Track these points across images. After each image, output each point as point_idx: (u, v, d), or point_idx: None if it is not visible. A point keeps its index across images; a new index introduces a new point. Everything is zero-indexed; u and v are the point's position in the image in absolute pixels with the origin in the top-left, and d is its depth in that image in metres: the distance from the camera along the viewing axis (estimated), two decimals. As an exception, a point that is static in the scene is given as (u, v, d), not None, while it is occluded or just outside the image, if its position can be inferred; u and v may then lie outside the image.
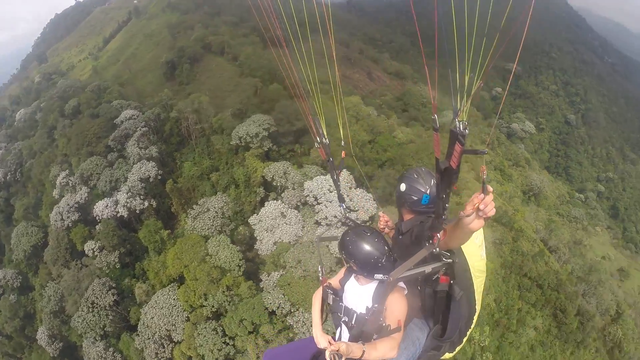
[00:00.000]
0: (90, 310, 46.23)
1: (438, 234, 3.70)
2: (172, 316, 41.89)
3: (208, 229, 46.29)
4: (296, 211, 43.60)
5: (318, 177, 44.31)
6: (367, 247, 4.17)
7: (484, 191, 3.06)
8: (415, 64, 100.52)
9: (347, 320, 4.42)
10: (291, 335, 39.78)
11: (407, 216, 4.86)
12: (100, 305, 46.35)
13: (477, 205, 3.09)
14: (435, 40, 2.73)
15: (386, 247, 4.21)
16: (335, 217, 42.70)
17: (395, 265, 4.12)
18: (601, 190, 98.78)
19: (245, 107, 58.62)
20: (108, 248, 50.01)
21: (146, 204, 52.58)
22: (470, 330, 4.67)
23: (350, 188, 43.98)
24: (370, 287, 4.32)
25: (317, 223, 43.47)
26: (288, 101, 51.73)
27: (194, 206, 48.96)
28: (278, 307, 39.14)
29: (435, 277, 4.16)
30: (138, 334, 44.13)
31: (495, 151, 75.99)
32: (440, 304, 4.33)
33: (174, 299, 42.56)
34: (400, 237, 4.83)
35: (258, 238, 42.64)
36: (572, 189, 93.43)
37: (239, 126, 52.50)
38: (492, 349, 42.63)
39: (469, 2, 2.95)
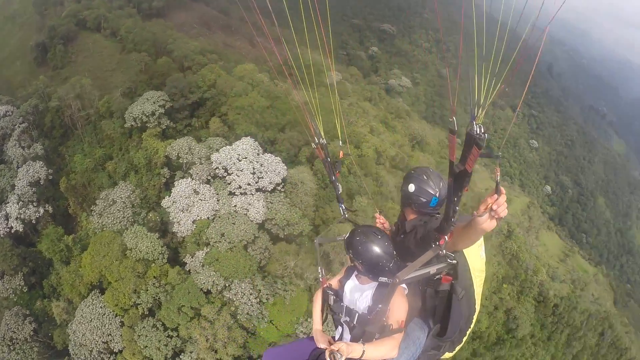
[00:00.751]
0: (12, 348, 40.93)
1: (446, 236, 3.70)
2: (105, 326, 38.86)
3: (119, 223, 43.27)
4: (208, 185, 42.48)
5: (224, 148, 43.27)
6: (377, 249, 4.13)
7: (497, 192, 3.06)
8: (297, 28, 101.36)
9: (348, 320, 4.40)
10: (233, 309, 39.71)
11: (411, 216, 4.81)
12: (20, 340, 41.18)
13: (490, 205, 3.09)
14: (460, 44, 2.70)
15: (394, 252, 4.20)
16: (248, 184, 42.52)
17: (399, 267, 4.13)
18: None
19: (134, 85, 54.46)
20: (9, 272, 43.91)
21: (41, 210, 47.29)
22: (470, 329, 4.70)
23: (258, 154, 43.76)
24: (371, 286, 4.32)
25: (232, 193, 42.92)
26: (179, 74, 48.98)
27: (97, 201, 45.27)
28: (212, 285, 38.71)
29: (437, 277, 4.13)
30: (72, 357, 40.00)
31: (378, 106, 79.87)
32: (441, 304, 4.33)
33: (101, 307, 39.40)
34: (401, 236, 4.80)
35: (175, 220, 41.05)
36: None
37: (132, 106, 48.83)
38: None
39: (489, 8, 2.96)
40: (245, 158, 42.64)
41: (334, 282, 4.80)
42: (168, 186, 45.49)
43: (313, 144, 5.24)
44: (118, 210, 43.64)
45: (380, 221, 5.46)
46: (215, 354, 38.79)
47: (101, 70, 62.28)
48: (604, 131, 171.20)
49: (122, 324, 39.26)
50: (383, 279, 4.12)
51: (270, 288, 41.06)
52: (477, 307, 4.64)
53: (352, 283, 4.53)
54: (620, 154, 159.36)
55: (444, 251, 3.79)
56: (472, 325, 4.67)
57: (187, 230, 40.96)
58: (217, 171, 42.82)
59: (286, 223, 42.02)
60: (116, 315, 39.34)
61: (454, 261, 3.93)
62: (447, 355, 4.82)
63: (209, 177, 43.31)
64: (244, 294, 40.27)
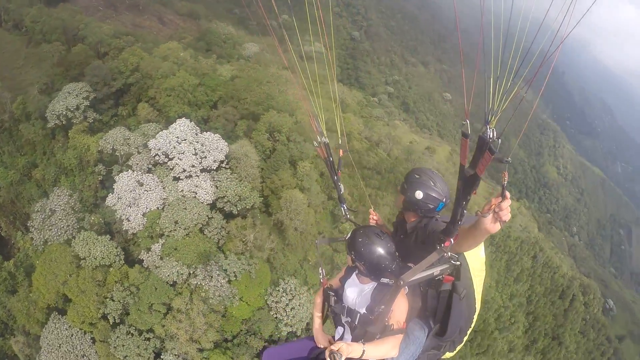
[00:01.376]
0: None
1: (452, 239, 3.67)
2: (76, 348, 36.39)
3: (65, 233, 40.22)
4: (151, 175, 40.54)
5: (160, 133, 41.22)
6: (379, 251, 4.11)
7: (503, 196, 3.07)
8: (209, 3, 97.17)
9: (349, 321, 4.36)
10: (203, 294, 39.02)
11: (412, 218, 4.74)
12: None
13: (494, 207, 3.09)
14: (479, 46, 2.71)
15: (396, 253, 4.19)
16: (192, 166, 41.14)
17: (401, 268, 4.16)
18: (391, 91, 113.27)
19: (50, 79, 49.57)
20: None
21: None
22: (470, 329, 4.71)
23: (196, 134, 42.16)
24: (371, 286, 4.30)
25: (177, 179, 41.39)
26: (98, 61, 45.09)
27: (32, 216, 41.56)
28: (177, 276, 37.79)
29: (438, 277, 4.09)
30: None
31: (296, 74, 79.40)
32: (442, 304, 4.30)
33: (66, 328, 36.62)
34: (401, 237, 4.77)
35: (123, 217, 38.94)
36: (367, 95, 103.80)
37: (52, 103, 44.61)
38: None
39: (505, 13, 2.86)
40: (185, 140, 41.01)
41: (334, 282, 4.76)
42: (104, 184, 42.83)
43: (315, 143, 5.10)
44: (60, 219, 40.30)
45: (374, 217, 5.38)
46: (197, 344, 38.10)
47: (8, 68, 55.78)
48: None
49: (94, 340, 37.06)
50: (385, 280, 4.11)
51: (235, 265, 40.79)
52: (477, 306, 4.66)
53: (352, 283, 4.49)
54: (528, 100, 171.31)
55: (449, 253, 3.77)
56: (472, 325, 4.69)
57: (139, 225, 39.16)
58: (157, 158, 40.93)
59: (238, 198, 41.36)
60: (85, 333, 37.04)
61: (458, 262, 3.88)
62: (448, 355, 4.81)
63: (150, 166, 41.34)
64: (212, 277, 39.76)
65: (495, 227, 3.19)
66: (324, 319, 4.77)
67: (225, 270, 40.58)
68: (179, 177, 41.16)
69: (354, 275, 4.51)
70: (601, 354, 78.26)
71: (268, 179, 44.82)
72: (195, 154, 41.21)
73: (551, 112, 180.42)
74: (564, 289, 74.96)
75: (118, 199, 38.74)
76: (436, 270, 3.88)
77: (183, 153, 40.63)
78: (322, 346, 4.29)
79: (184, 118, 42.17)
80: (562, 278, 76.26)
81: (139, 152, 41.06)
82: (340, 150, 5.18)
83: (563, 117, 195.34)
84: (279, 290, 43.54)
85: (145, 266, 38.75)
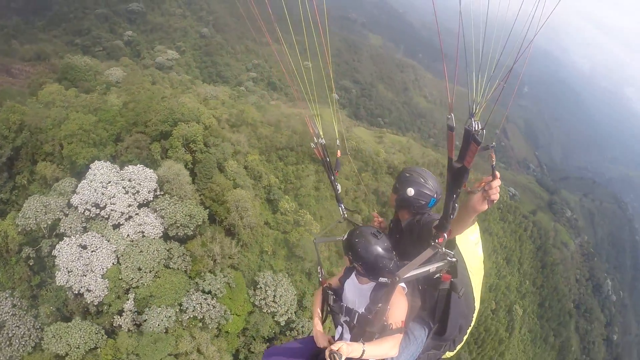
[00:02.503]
0: None
1: (445, 234, 3.67)
2: None
3: (30, 339, 33.20)
4: (90, 232, 35.15)
5: (80, 185, 35.58)
6: (376, 250, 4.03)
7: (493, 176, 3.13)
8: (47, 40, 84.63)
9: (348, 320, 4.32)
10: (200, 324, 36.19)
11: (406, 216, 4.72)
12: None
13: (484, 185, 3.15)
14: (457, 44, 2.68)
15: (393, 252, 4.12)
16: (129, 206, 36.86)
17: (399, 267, 4.05)
18: (254, 76, 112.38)
19: None
20: None
21: None
22: (470, 328, 4.69)
23: (118, 172, 37.51)
24: (370, 286, 4.25)
25: (117, 225, 36.70)
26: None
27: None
28: (167, 320, 34.61)
29: (436, 276, 4.02)
30: None
31: (163, 85, 74.97)
32: (441, 302, 4.24)
33: None
34: (397, 236, 4.74)
35: (82, 290, 33.31)
36: (234, 86, 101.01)
37: None
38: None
39: (487, 7, 2.91)
40: (109, 182, 36.21)
41: (334, 282, 4.72)
42: (34, 269, 35.72)
43: (312, 144, 5.09)
44: (16, 328, 32.95)
45: (378, 220, 5.36)
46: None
47: None
48: (359, 32, 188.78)
49: None
50: (383, 280, 4.03)
51: (215, 282, 38.62)
52: (477, 305, 4.67)
53: (351, 282, 4.44)
54: (380, 45, 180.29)
55: (443, 249, 3.76)
56: (472, 324, 4.68)
57: (102, 291, 33.95)
58: (87, 213, 35.51)
59: (189, 218, 38.58)
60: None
61: (454, 259, 3.82)
62: (448, 354, 4.80)
63: (84, 224, 35.71)
64: (201, 303, 37.14)
65: (484, 206, 3.22)
66: (324, 319, 4.66)
67: (209, 291, 38.34)
68: (120, 222, 36.54)
69: (353, 276, 4.43)
70: (524, 229, 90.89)
71: (205, 189, 42.36)
72: (127, 192, 36.85)
73: (403, 51, 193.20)
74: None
75: (68, 273, 32.87)
76: (432, 267, 3.81)
77: (114, 196, 35.96)
78: (321, 346, 4.19)
79: (96, 161, 36.92)
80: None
81: (65, 215, 35.00)
82: (338, 152, 5.11)
83: (415, 52, 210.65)
84: (260, 287, 42.68)
85: (129, 329, 34.31)
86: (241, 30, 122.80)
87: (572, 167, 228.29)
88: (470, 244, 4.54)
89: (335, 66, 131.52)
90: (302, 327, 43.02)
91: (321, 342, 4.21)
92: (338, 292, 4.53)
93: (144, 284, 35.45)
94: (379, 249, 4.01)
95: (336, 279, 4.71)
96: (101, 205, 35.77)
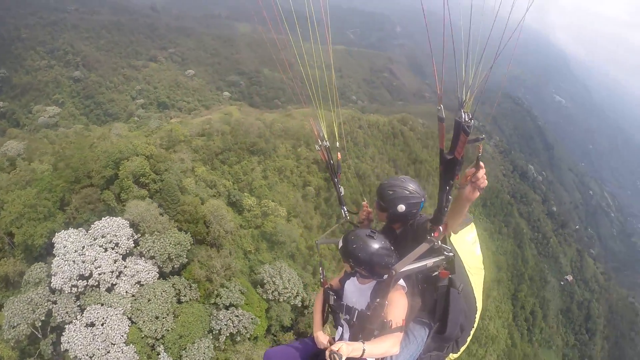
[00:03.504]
0: None
1: (440, 227, 3.61)
2: None
3: None
4: (89, 307, 30.44)
5: (54, 264, 30.20)
6: (375, 250, 3.89)
7: (477, 166, 3.14)
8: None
9: (348, 318, 4.22)
10: (239, 338, 34.24)
11: (399, 226, 4.60)
12: None
13: (470, 177, 3.17)
14: (443, 36, 2.65)
15: (392, 247, 4.01)
16: (115, 262, 32.52)
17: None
18: (142, 102, 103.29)
19: None
20: None
21: None
22: (473, 329, 4.55)
23: (86, 234, 32.58)
24: (370, 286, 4.15)
25: (111, 287, 32.27)
26: None
27: None
28: (206, 351, 32.32)
29: (435, 274, 3.97)
30: None
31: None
32: (440, 300, 4.10)
33: None
34: (391, 242, 4.37)
35: (113, 363, 29.05)
36: (128, 120, 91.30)
37: None
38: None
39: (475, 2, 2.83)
40: (84, 247, 31.43)
41: (334, 282, 4.62)
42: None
43: (317, 147, 5.00)
44: None
45: (367, 210, 5.16)
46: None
47: None
48: (228, 25, 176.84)
49: None
50: (386, 276, 3.89)
51: (233, 294, 36.51)
52: (479, 305, 4.55)
53: (351, 283, 4.33)
54: (250, 31, 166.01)
55: (439, 242, 3.70)
56: (475, 325, 4.55)
57: (133, 357, 29.96)
58: (75, 290, 30.56)
59: (180, 247, 35.45)
60: None
61: (451, 254, 3.77)
62: (452, 356, 4.61)
63: (79, 303, 30.67)
64: (230, 319, 34.99)
65: (475, 195, 3.24)
66: (324, 320, 4.57)
67: (230, 304, 36.24)
68: (112, 283, 32.14)
69: (353, 277, 4.31)
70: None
71: (177, 214, 38.90)
72: (106, 250, 32.36)
73: (276, 30, 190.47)
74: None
75: (91, 358, 28.20)
76: (430, 262, 3.76)
77: (95, 259, 31.33)
78: (322, 347, 4.08)
79: (57, 233, 31.50)
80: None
81: (54, 303, 29.57)
82: (338, 154, 5.05)
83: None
84: (267, 282, 41.37)
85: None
86: (113, 61, 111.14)
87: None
88: (467, 244, 4.45)
89: (217, 65, 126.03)
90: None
91: (321, 342, 4.10)
92: (339, 293, 4.42)
93: (168, 330, 32.23)
94: (378, 249, 3.88)
95: (337, 280, 4.61)
96: (86, 275, 30.91)
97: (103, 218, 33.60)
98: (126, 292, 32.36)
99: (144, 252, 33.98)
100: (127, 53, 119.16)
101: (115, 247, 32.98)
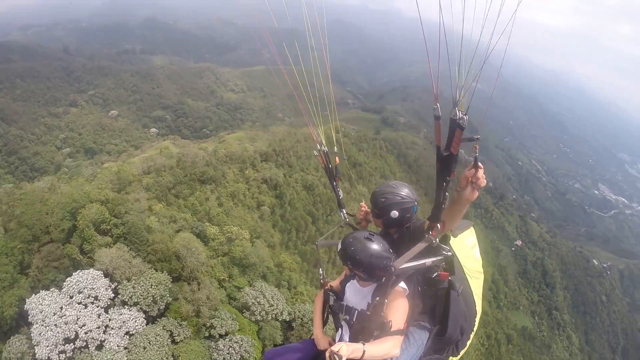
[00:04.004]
0: None
1: (438, 225, 3.56)
2: None
3: None
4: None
5: (34, 333, 26.52)
6: (374, 252, 3.78)
7: (475, 167, 3.19)
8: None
9: (348, 318, 4.15)
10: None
11: (394, 231, 4.48)
12: None
13: (470, 178, 3.22)
14: (439, 37, 2.67)
15: (390, 249, 3.88)
16: (98, 316, 29.54)
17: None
18: (69, 151, 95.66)
19: None
20: None
21: None
22: (473, 333, 4.46)
23: (59, 293, 29.14)
24: (372, 288, 4.07)
25: (101, 344, 29.19)
26: None
27: None
28: None
29: (435, 275, 3.95)
30: None
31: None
32: (440, 302, 4.03)
33: None
34: (392, 246, 4.29)
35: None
36: (58, 172, 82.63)
37: None
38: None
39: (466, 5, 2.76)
40: (61, 308, 28.18)
41: (335, 284, 4.55)
42: None
43: (315, 152, 4.96)
44: None
45: (365, 210, 4.98)
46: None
47: None
48: (143, 60, 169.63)
49: None
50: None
51: (226, 322, 34.99)
52: (479, 309, 4.49)
53: (352, 285, 4.26)
54: (167, 63, 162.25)
55: (437, 240, 3.67)
56: (475, 328, 4.47)
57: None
58: (62, 355, 27.17)
59: (162, 287, 33.28)
60: None
61: (449, 253, 3.75)
62: (452, 359, 4.49)
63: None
64: (231, 347, 33.53)
65: (474, 195, 3.28)
66: (324, 321, 4.49)
67: (226, 333, 34.71)
68: (100, 339, 29.12)
69: (354, 280, 4.24)
70: (379, 148, 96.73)
71: (149, 255, 36.38)
72: (86, 306, 29.35)
73: (193, 59, 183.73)
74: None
75: None
76: (428, 261, 3.71)
77: (78, 318, 28.25)
78: (322, 348, 4.06)
79: (27, 299, 27.75)
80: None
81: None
82: (337, 158, 5.02)
83: (202, 54, 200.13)
84: (252, 303, 40.24)
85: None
86: (32, 110, 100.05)
87: (381, 85, 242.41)
88: (466, 248, 4.42)
89: (139, 102, 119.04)
90: (303, 313, 42.29)
91: (321, 343, 4.09)
92: (339, 295, 4.37)
93: (170, 373, 29.96)
94: (377, 251, 3.79)
95: (337, 281, 4.56)
96: (72, 337, 27.69)
97: (75, 273, 30.43)
98: (117, 345, 29.50)
99: (127, 300, 31.31)
100: (46, 100, 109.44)
101: (95, 301, 30.01)
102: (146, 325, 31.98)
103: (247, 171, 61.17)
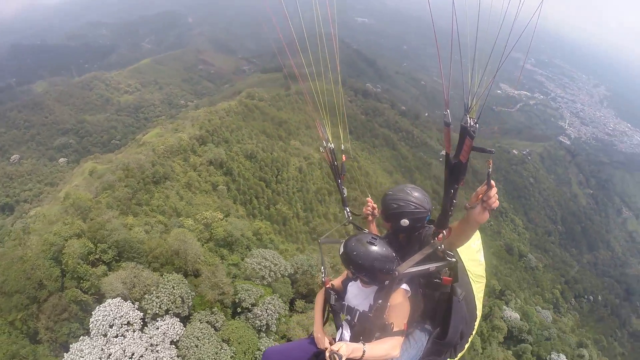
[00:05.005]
0: None
1: (444, 231, 3.23)
2: None
3: None
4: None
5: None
6: (378, 256, 3.49)
7: (488, 184, 2.75)
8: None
9: (349, 319, 3.88)
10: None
11: (403, 236, 4.11)
12: None
13: (481, 197, 2.78)
14: (451, 43, 2.52)
15: (393, 253, 3.60)
16: (140, 338, 26.17)
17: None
18: None
19: None
20: None
21: None
22: (471, 336, 4.16)
23: (105, 334, 24.89)
24: (374, 289, 3.78)
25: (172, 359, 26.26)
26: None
27: None
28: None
29: (437, 280, 3.62)
30: None
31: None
32: (442, 306, 3.76)
33: None
34: (398, 249, 3.96)
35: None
36: None
37: None
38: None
39: (481, 10, 2.55)
40: (102, 350, 24.31)
41: (337, 283, 4.24)
42: None
43: (321, 148, 4.58)
44: None
45: (372, 206, 4.64)
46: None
47: None
48: (21, 93, 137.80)
49: None
50: (389, 282, 3.57)
51: (253, 290, 33.54)
52: (479, 313, 4.22)
53: (354, 285, 3.98)
54: (47, 88, 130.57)
55: (442, 247, 3.31)
56: (473, 332, 4.16)
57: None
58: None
59: (182, 285, 30.38)
60: None
61: (453, 259, 3.36)
62: None
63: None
64: (266, 310, 32.49)
65: (485, 217, 2.84)
66: (325, 320, 4.19)
67: (255, 301, 33.38)
68: (155, 358, 26.13)
69: (356, 281, 3.97)
70: None
71: (153, 263, 32.58)
72: (125, 336, 25.78)
73: (76, 72, 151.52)
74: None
75: None
76: (432, 266, 3.39)
77: (124, 351, 24.76)
78: (322, 347, 3.80)
79: (65, 356, 23.20)
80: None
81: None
82: (343, 156, 4.59)
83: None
84: (258, 270, 38.85)
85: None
86: None
87: (271, 42, 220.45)
88: (472, 252, 4.12)
89: (37, 137, 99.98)
90: (300, 263, 41.84)
91: (321, 343, 3.83)
92: (340, 294, 4.06)
93: (234, 356, 28.35)
94: (379, 256, 3.50)
95: (339, 280, 4.25)
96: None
97: (94, 312, 26.13)
98: (171, 357, 26.78)
99: (157, 311, 28.12)
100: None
101: (130, 327, 26.44)
102: (183, 328, 29.29)
103: (192, 159, 56.26)
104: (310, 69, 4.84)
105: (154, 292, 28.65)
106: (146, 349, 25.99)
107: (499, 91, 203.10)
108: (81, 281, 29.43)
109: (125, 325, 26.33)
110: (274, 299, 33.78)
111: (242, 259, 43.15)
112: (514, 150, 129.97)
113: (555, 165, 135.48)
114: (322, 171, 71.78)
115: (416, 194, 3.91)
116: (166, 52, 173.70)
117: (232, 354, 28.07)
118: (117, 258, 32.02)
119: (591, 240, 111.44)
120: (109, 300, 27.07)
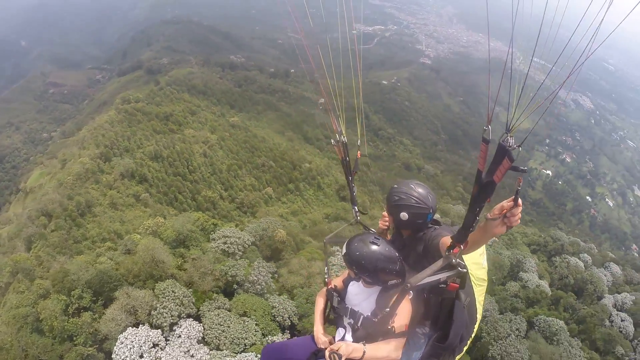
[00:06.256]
0: None
1: (461, 245, 2.83)
2: None
3: None
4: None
5: None
6: (379, 258, 3.20)
7: (515, 202, 2.35)
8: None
9: (352, 322, 3.49)
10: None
11: (408, 232, 3.84)
12: None
13: (505, 212, 2.38)
14: (507, 58, 2.22)
15: (396, 253, 3.31)
16: (180, 345, 24.12)
17: (404, 268, 3.37)
18: None
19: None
20: None
21: None
22: (470, 339, 3.79)
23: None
24: (376, 290, 3.43)
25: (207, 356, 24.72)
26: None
27: None
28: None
29: (443, 284, 3.15)
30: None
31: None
32: (444, 310, 3.38)
33: None
34: (400, 248, 3.71)
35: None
36: None
37: None
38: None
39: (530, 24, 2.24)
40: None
41: (338, 282, 3.84)
42: None
43: (333, 141, 4.08)
44: None
45: (385, 219, 4.11)
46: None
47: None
48: None
49: None
50: (392, 282, 3.28)
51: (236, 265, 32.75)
52: (479, 317, 3.88)
53: (356, 285, 3.61)
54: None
55: (457, 260, 2.92)
56: (472, 335, 3.78)
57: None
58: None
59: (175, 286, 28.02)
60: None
61: (465, 270, 2.97)
62: None
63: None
64: (259, 272, 32.35)
65: (502, 231, 2.48)
66: (326, 320, 3.85)
67: (244, 273, 32.84)
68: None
69: (358, 281, 3.59)
70: None
71: (135, 283, 28.80)
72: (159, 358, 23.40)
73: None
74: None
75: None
76: (443, 277, 2.97)
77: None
78: (322, 346, 3.46)
79: None
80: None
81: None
82: (358, 152, 4.17)
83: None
84: (226, 248, 37.34)
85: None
86: None
87: (116, 42, 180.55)
88: (475, 256, 3.71)
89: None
90: (256, 229, 41.55)
91: (321, 342, 3.53)
92: (342, 294, 3.71)
93: (258, 323, 28.15)
94: (382, 257, 3.22)
95: (341, 279, 3.88)
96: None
97: (114, 354, 22.79)
98: (207, 354, 25.45)
99: (171, 320, 25.86)
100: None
101: (156, 347, 24.02)
102: (199, 323, 27.71)
103: (103, 178, 47.72)
104: (329, 63, 4.19)
105: (159, 305, 25.96)
106: (185, 355, 24.28)
107: (354, 32, 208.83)
108: (74, 338, 24.72)
109: (153, 348, 23.84)
110: (259, 262, 33.63)
111: (203, 252, 40.81)
112: (383, 81, 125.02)
113: (424, 85, 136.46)
114: (224, 150, 68.48)
115: (420, 190, 3.62)
116: (8, 86, 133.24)
117: (255, 322, 28.02)
118: (94, 299, 27.36)
119: (472, 139, 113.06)
120: (122, 335, 23.79)
